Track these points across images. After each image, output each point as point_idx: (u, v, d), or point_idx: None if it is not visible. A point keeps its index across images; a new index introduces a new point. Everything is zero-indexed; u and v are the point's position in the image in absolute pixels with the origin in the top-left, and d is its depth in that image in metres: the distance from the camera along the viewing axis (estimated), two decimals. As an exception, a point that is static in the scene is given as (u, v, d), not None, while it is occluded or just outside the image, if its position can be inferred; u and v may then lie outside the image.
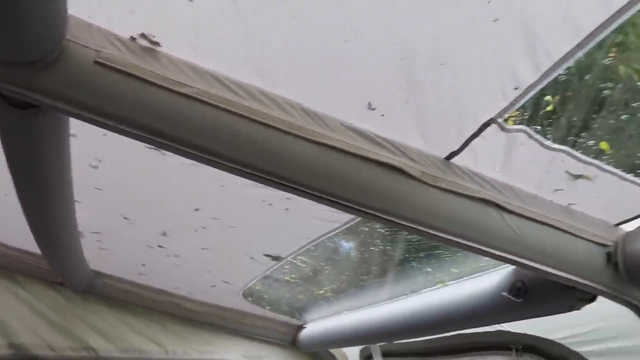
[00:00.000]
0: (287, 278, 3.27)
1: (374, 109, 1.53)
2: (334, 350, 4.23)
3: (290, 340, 4.22)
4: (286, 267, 3.01)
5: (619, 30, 1.37)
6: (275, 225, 2.46)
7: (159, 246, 2.97)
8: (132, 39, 1.42)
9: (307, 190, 1.60)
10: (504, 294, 2.24)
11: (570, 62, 1.40)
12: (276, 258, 2.83)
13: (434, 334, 3.17)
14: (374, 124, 1.58)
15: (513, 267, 2.22)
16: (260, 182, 1.60)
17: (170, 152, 1.52)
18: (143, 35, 1.43)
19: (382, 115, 1.55)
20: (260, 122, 1.48)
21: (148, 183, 2.31)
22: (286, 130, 1.50)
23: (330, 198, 1.63)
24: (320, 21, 1.32)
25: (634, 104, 1.72)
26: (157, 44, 1.44)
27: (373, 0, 1.25)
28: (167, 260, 3.15)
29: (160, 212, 2.61)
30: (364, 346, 3.98)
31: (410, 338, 3.42)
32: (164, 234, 2.81)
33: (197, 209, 2.44)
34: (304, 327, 4.12)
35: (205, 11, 1.37)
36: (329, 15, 1.29)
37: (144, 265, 3.42)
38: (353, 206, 1.65)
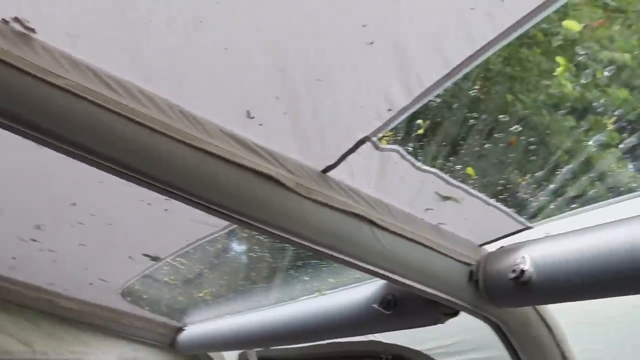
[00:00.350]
0: (166, 279, 3.21)
1: (252, 118, 1.54)
2: (213, 354, 4.19)
3: (169, 342, 4.12)
4: (165, 267, 2.96)
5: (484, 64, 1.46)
6: (154, 225, 2.42)
7: (32, 239, 2.82)
8: (4, 22, 1.35)
9: (182, 194, 1.59)
10: (375, 305, 2.32)
11: (440, 90, 1.48)
12: (155, 258, 2.78)
13: (310, 341, 3.22)
14: (253, 132, 1.60)
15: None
16: (135, 183, 1.57)
17: (42, 145, 1.46)
18: (17, 19, 1.36)
19: (261, 124, 1.57)
20: (136, 122, 1.45)
21: (21, 172, 2.20)
22: (163, 131, 1.48)
23: (205, 203, 1.63)
24: (200, 26, 1.31)
25: (497, 135, 1.85)
26: (32, 30, 1.37)
27: (252, 13, 1.27)
28: (41, 254, 2.99)
29: (34, 203, 2.49)
30: (242, 351, 3.97)
31: (288, 344, 3.46)
32: (38, 227, 2.67)
33: (73, 204, 2.35)
34: (184, 330, 4.05)
35: (87, 2, 1.33)
36: (209, 21, 1.29)
37: (14, 258, 3.23)
38: (227, 213, 1.66)
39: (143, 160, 1.49)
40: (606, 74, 1.98)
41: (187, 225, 2.30)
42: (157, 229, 2.47)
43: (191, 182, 1.56)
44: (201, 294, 3.45)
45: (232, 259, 3.05)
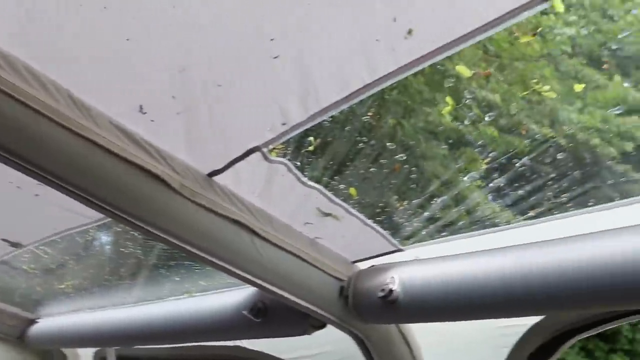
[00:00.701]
0: (25, 267, 3.01)
1: (144, 113, 1.50)
2: (66, 350, 3.97)
3: (17, 334, 3.82)
4: (27, 255, 2.78)
5: (383, 92, 1.52)
6: (20, 210, 2.26)
7: None
8: None
9: (60, 183, 1.52)
10: (245, 312, 2.32)
11: (336, 112, 1.53)
12: (15, 245, 2.60)
13: (174, 343, 3.15)
14: (144, 128, 1.56)
15: (257, 287, 2.32)
16: (10, 165, 1.48)
17: None
18: None
19: (152, 120, 1.53)
20: (17, 100, 1.36)
21: None
22: (48, 115, 1.40)
23: (84, 195, 1.56)
24: (104, 12, 1.26)
25: (382, 160, 1.93)
26: None
27: (161, 9, 1.24)
28: None
29: None
30: (99, 348, 3.81)
31: (151, 345, 3.37)
32: None
33: None
34: (37, 322, 3.79)
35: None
36: (114, 8, 1.24)
37: None
38: (107, 207, 1.61)
39: (23, 143, 1.41)
40: (483, 115, 2.14)
41: (57, 213, 2.18)
42: (24, 214, 2.32)
43: (72, 171, 1.49)
44: (62, 286, 3.27)
45: (101, 252, 2.92)
